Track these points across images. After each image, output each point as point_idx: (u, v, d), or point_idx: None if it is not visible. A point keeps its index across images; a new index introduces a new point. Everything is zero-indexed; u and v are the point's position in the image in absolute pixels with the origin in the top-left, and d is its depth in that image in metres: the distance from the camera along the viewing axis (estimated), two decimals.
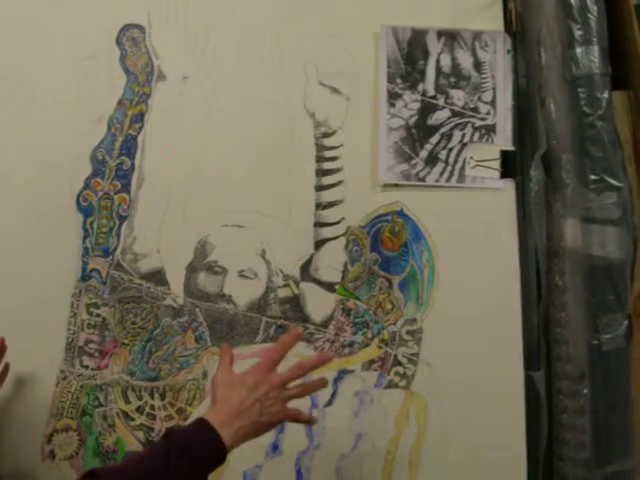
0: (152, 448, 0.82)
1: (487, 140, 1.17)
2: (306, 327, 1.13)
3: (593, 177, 1.06)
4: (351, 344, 1.14)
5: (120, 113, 1.13)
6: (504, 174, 1.17)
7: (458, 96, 1.17)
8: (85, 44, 1.14)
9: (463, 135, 1.17)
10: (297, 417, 0.90)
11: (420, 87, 1.17)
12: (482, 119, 1.17)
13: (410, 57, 1.17)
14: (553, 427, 1.11)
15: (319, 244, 1.15)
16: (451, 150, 1.17)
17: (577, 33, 1.07)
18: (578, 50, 1.07)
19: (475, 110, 1.18)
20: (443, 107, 1.17)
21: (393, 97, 1.17)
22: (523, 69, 1.19)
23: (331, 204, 1.15)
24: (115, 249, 1.12)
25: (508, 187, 1.17)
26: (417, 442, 1.13)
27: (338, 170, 1.16)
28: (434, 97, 1.17)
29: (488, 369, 1.13)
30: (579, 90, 1.07)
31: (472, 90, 1.18)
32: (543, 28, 1.11)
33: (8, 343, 1.02)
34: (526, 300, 1.15)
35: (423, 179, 1.16)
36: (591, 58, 1.07)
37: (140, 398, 1.10)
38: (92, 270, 1.11)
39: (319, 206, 1.15)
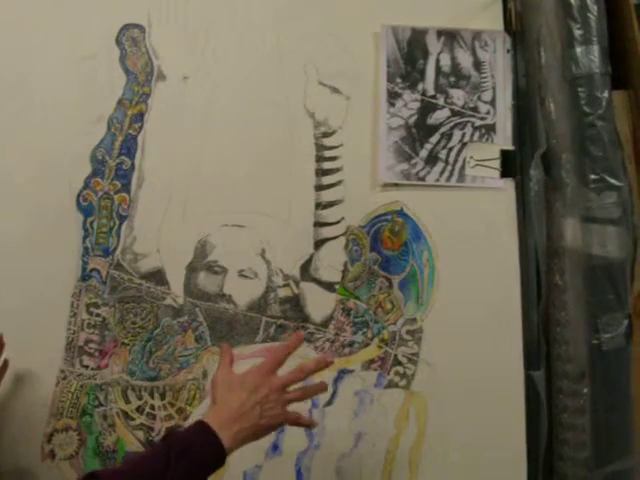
0: (151, 450, 0.82)
1: (487, 139, 1.17)
2: (306, 327, 1.13)
3: (593, 176, 1.06)
4: (351, 344, 1.14)
5: (120, 113, 1.13)
6: (504, 173, 1.17)
7: (458, 96, 1.17)
8: (85, 44, 1.14)
9: (463, 134, 1.17)
10: (297, 420, 0.90)
11: (420, 87, 1.17)
12: (482, 118, 1.17)
13: (410, 57, 1.17)
14: (553, 427, 1.11)
15: (319, 244, 1.15)
16: (451, 150, 1.17)
17: (577, 32, 1.07)
18: (578, 49, 1.07)
19: (475, 110, 1.18)
20: (443, 106, 1.17)
21: (393, 97, 1.17)
22: (523, 68, 1.19)
23: (331, 204, 1.15)
24: (115, 249, 1.12)
25: (508, 186, 1.17)
26: (417, 442, 1.13)
27: (338, 170, 1.16)
28: (434, 97, 1.17)
29: (488, 369, 1.13)
30: (579, 89, 1.07)
31: (472, 90, 1.18)
32: (543, 27, 1.11)
33: (8, 343, 1.02)
34: (526, 300, 1.15)
35: (423, 179, 1.16)
36: (591, 57, 1.07)
37: (140, 398, 1.10)
38: (92, 270, 1.11)
39: (319, 206, 1.15)
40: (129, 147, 1.13)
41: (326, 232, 1.15)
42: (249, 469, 1.09)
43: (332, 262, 1.14)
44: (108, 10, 1.14)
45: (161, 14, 1.15)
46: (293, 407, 0.90)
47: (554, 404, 1.11)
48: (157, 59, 1.15)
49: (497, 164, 1.17)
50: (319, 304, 1.14)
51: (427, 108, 1.17)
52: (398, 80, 1.17)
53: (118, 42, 1.14)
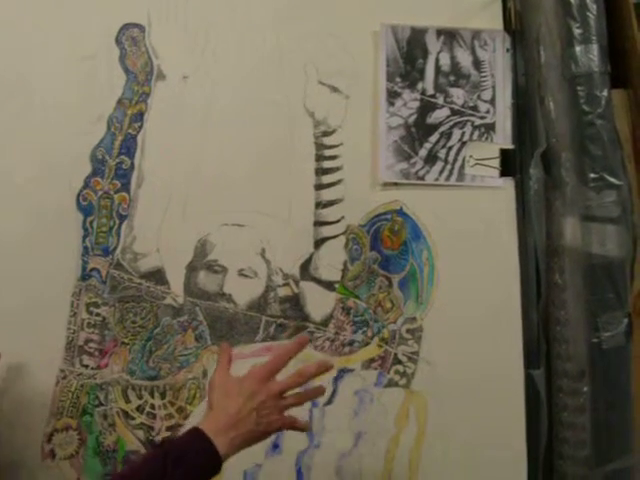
0: (148, 457, 0.82)
1: (486, 139, 1.17)
2: (306, 326, 1.13)
3: (593, 175, 1.06)
4: (351, 343, 1.14)
5: (120, 112, 1.13)
6: (503, 172, 1.17)
7: (457, 95, 1.17)
8: (85, 43, 1.14)
9: (462, 134, 1.17)
10: (293, 425, 0.90)
11: (419, 86, 1.17)
12: (481, 118, 1.17)
13: (409, 56, 1.17)
14: (553, 425, 1.11)
15: (319, 243, 1.15)
16: (450, 149, 1.17)
17: (576, 31, 1.07)
18: (577, 48, 1.07)
19: (474, 109, 1.18)
20: (442, 106, 1.17)
21: (392, 96, 1.17)
22: (522, 68, 1.19)
23: (331, 203, 1.15)
24: (115, 248, 1.12)
25: (507, 185, 1.17)
26: (417, 441, 1.13)
27: (338, 169, 1.16)
28: (433, 96, 1.17)
29: (488, 367, 1.13)
30: (578, 88, 1.07)
31: (471, 89, 1.18)
32: (542, 26, 1.11)
33: (8, 343, 1.02)
34: (526, 298, 1.15)
35: (422, 178, 1.16)
36: (590, 56, 1.07)
37: (140, 397, 1.10)
38: (92, 269, 1.11)
39: (319, 205, 1.15)
40: (129, 146, 1.13)
41: (326, 231, 1.15)
42: (249, 468, 1.10)
43: (332, 261, 1.14)
44: (108, 9, 1.14)
45: (161, 13, 1.15)
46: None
47: (554, 403, 1.11)
48: (157, 58, 1.15)
49: (497, 163, 1.17)
50: (319, 303, 1.14)
51: (427, 107, 1.17)
52: (398, 79, 1.17)
53: (118, 41, 1.14)
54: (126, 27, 1.15)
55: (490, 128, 1.17)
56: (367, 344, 1.14)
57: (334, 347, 1.13)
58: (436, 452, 1.12)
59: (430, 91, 1.17)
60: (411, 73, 1.17)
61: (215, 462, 0.81)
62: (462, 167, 1.17)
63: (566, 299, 1.10)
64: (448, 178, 1.16)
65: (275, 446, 1.10)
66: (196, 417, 1.07)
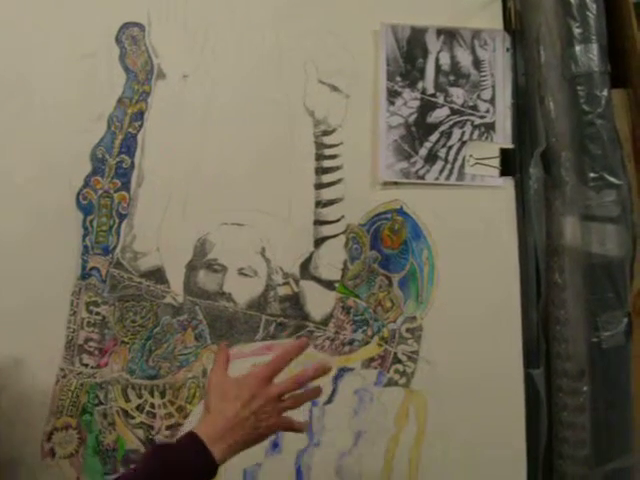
0: (144, 463, 0.81)
1: (486, 138, 1.17)
2: (306, 325, 1.13)
3: (592, 175, 1.06)
4: (351, 342, 1.14)
5: (120, 111, 1.13)
6: (503, 172, 1.17)
7: (457, 94, 1.17)
8: (85, 42, 1.13)
9: (462, 133, 1.17)
10: (290, 427, 0.89)
11: (419, 85, 1.17)
12: (481, 117, 1.17)
13: (409, 55, 1.17)
14: (553, 425, 1.12)
15: (319, 242, 1.15)
16: (450, 148, 1.17)
17: (576, 31, 1.07)
18: (577, 48, 1.07)
19: (474, 108, 1.18)
20: (442, 105, 1.17)
21: (392, 95, 1.17)
22: (522, 67, 1.19)
23: (331, 202, 1.15)
24: (115, 247, 1.12)
25: (507, 185, 1.17)
26: (417, 440, 1.13)
27: (338, 168, 1.16)
28: (433, 95, 1.17)
29: (488, 367, 1.13)
30: (578, 88, 1.07)
31: (471, 88, 1.18)
32: (542, 26, 1.11)
33: (8, 342, 1.02)
34: (526, 298, 1.15)
35: (423, 177, 1.16)
36: (590, 56, 1.07)
37: (140, 396, 1.10)
38: (92, 268, 1.11)
39: (319, 204, 1.15)
40: (129, 145, 1.13)
41: (326, 230, 1.15)
42: (249, 467, 1.10)
43: (332, 260, 1.14)
44: (108, 9, 1.14)
45: (161, 12, 1.15)
46: None
47: (554, 402, 1.11)
48: (157, 57, 1.15)
49: (496, 162, 1.17)
50: (319, 302, 1.14)
51: (427, 107, 1.17)
52: (398, 78, 1.17)
53: (118, 40, 1.14)
54: (126, 26, 1.15)
55: (490, 127, 1.18)
56: (367, 343, 1.14)
57: (334, 346, 1.13)
58: (436, 451, 1.12)
59: (430, 90, 1.17)
60: (411, 72, 1.17)
61: (211, 468, 0.80)
62: (462, 166, 1.17)
63: (566, 298, 1.10)
64: (448, 177, 1.16)
65: (275, 445, 1.10)
66: (196, 416, 1.08)
